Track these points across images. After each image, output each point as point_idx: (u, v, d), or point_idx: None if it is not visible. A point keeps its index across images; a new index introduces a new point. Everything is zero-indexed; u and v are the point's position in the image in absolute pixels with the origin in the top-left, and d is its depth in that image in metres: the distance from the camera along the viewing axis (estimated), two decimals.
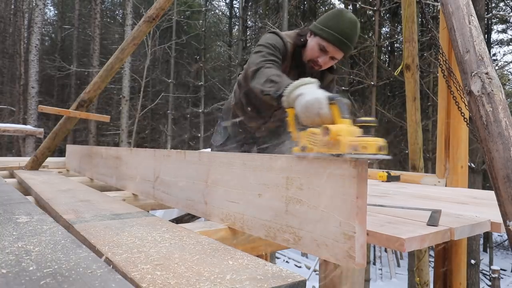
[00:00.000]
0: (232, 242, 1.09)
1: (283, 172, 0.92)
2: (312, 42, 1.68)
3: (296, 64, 1.75)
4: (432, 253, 4.54)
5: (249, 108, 1.95)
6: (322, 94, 0.99)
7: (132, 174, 1.83)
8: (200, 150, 2.05)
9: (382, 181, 2.58)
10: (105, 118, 3.02)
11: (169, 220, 1.27)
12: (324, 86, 1.79)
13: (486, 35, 13.66)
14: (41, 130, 6.40)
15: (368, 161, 0.79)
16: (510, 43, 15.16)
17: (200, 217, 2.57)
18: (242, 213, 1.05)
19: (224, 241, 0.92)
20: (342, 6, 16.07)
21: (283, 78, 1.34)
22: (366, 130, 0.86)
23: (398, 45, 14.80)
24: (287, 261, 12.52)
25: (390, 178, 2.58)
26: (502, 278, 11.12)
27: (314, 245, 0.83)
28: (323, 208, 0.81)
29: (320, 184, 0.82)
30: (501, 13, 14.20)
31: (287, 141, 2.16)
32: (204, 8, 17.80)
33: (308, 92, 1.05)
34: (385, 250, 13.03)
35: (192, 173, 1.30)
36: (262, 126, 2.02)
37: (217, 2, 20.92)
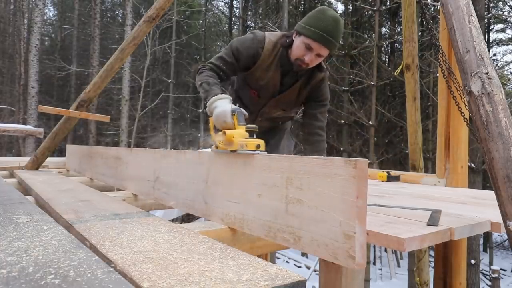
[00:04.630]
0: (232, 242, 1.08)
1: (283, 172, 0.92)
2: (297, 41, 1.73)
3: (281, 64, 1.82)
4: (432, 253, 4.54)
5: (237, 104, 2.00)
6: (228, 108, 1.32)
7: (132, 174, 1.83)
8: (200, 150, 2.05)
9: (382, 181, 2.58)
10: (105, 118, 3.02)
11: (169, 220, 1.27)
12: (313, 85, 1.91)
13: (486, 35, 13.66)
14: (41, 130, 6.39)
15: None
16: (510, 43, 15.17)
17: (200, 217, 2.57)
18: (242, 213, 1.05)
19: (224, 241, 0.92)
20: (342, 6, 16.08)
21: (213, 88, 1.58)
22: (251, 134, 1.19)
23: (398, 45, 14.80)
24: (287, 261, 12.51)
25: (390, 178, 2.58)
26: (502, 278, 11.11)
27: (314, 245, 0.82)
28: (323, 208, 0.81)
29: (320, 184, 0.82)
30: (504, 13, 14.19)
31: (282, 141, 2.22)
32: (204, 8, 17.79)
33: (220, 105, 1.37)
34: (385, 250, 13.03)
35: (192, 173, 1.30)
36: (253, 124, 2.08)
37: (217, 2, 20.93)
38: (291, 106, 2.00)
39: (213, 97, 1.46)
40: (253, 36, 1.81)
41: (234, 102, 2.01)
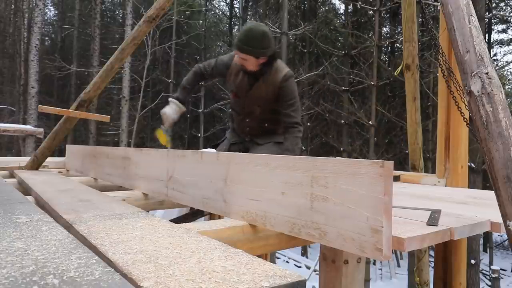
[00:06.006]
0: (239, 240, 1.09)
1: (308, 171, 0.95)
2: None
3: (244, 69, 2.28)
4: (432, 253, 4.53)
5: (233, 107, 2.56)
6: (170, 111, 2.40)
7: (142, 174, 1.84)
8: (201, 150, 2.07)
9: None
10: (105, 118, 3.02)
11: (169, 220, 1.27)
12: (275, 84, 2.27)
13: (486, 35, 13.66)
14: (41, 130, 6.39)
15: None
16: (511, 43, 15.16)
17: (200, 217, 2.57)
18: (264, 210, 1.08)
19: (229, 240, 0.92)
20: (342, 6, 16.06)
21: (180, 91, 2.47)
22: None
23: (398, 45, 14.80)
24: (287, 261, 12.51)
25: None
26: (502, 278, 11.11)
27: (340, 239, 0.86)
28: (349, 204, 0.84)
29: (346, 182, 0.85)
30: (501, 13, 14.20)
31: (271, 142, 2.47)
32: (204, 8, 17.79)
33: (169, 106, 2.41)
34: None
35: (209, 172, 1.31)
36: (241, 123, 2.48)
37: (217, 2, 20.93)
38: (263, 102, 2.34)
39: (172, 97, 2.43)
40: (226, 56, 2.43)
41: (230, 109, 2.63)
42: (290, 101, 2.28)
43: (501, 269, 10.67)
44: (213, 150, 2.29)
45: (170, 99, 2.43)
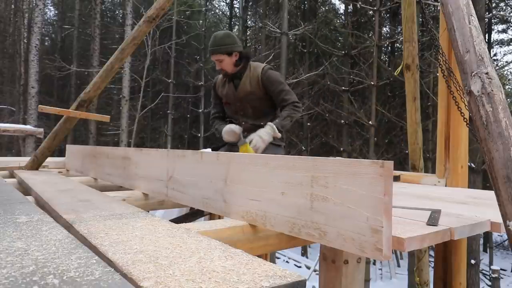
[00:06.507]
0: (239, 240, 1.09)
1: (308, 171, 0.95)
2: None
3: (227, 78, 2.55)
4: (432, 253, 4.54)
5: (229, 116, 2.74)
6: (230, 126, 2.43)
7: (142, 174, 1.84)
8: (201, 150, 2.07)
9: None
10: (105, 118, 3.02)
11: (169, 220, 1.27)
12: (256, 78, 2.45)
13: (486, 35, 13.65)
14: (41, 130, 6.39)
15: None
16: (511, 43, 15.16)
17: (200, 217, 2.57)
18: (264, 210, 1.08)
19: (229, 240, 0.92)
20: (342, 6, 16.06)
21: (219, 127, 2.54)
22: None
23: (398, 45, 14.80)
24: (287, 261, 12.51)
25: None
26: (502, 278, 11.11)
27: (340, 239, 0.86)
28: (349, 204, 0.84)
29: (346, 182, 0.85)
30: (501, 13, 14.20)
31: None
32: (204, 8, 17.79)
33: (225, 127, 2.44)
34: None
35: (209, 172, 1.31)
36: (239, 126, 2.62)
37: (217, 2, 20.94)
38: (252, 98, 2.47)
39: (222, 130, 2.46)
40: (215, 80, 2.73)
41: (228, 119, 2.76)
42: (278, 87, 2.42)
43: (501, 269, 10.68)
44: None
45: (219, 131, 2.53)
